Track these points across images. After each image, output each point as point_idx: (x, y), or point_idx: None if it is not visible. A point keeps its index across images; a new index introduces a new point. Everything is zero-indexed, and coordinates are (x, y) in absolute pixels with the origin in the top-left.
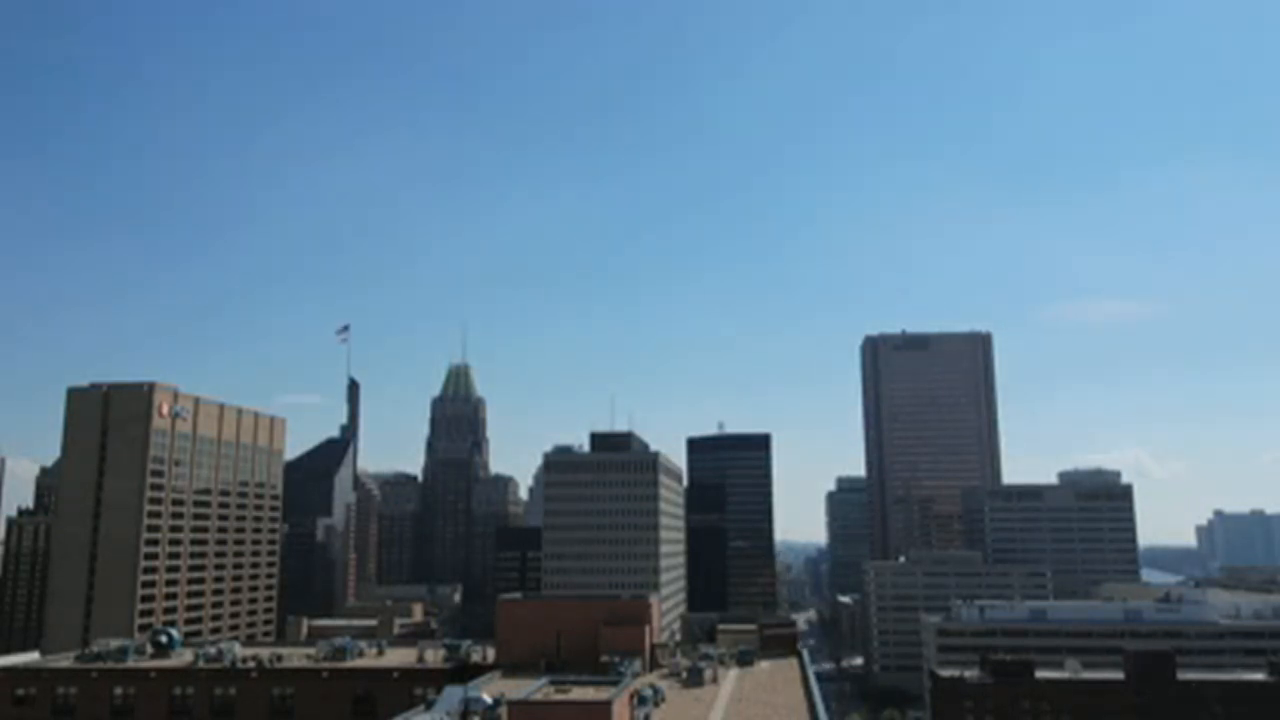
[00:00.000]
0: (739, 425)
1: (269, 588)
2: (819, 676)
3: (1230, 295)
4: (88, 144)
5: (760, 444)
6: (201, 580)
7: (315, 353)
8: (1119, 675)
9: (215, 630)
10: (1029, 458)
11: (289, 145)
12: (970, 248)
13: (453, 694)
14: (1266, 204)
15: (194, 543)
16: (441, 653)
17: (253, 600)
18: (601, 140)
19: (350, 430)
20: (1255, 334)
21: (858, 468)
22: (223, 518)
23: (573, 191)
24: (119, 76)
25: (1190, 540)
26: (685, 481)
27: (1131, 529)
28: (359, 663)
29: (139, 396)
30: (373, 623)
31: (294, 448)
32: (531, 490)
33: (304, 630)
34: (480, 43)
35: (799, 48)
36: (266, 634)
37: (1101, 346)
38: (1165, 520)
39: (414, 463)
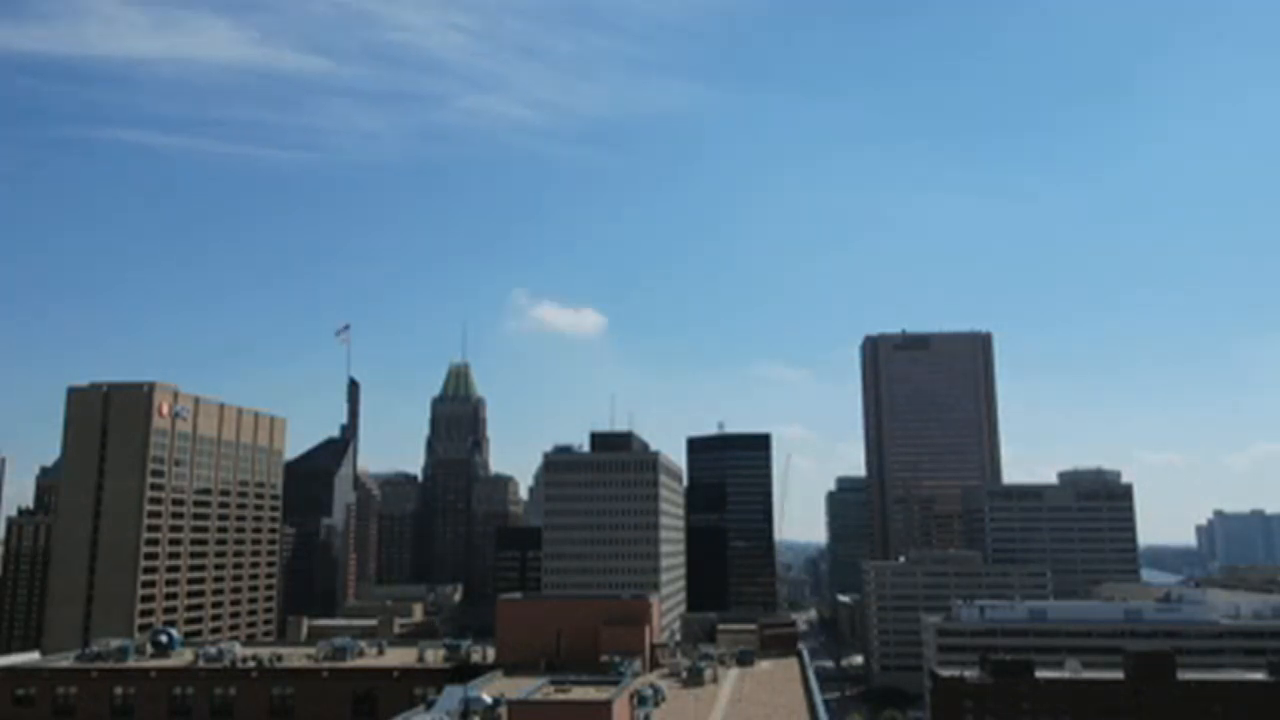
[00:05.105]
0: (739, 425)
1: (269, 588)
2: (819, 676)
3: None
4: (95, 149)
5: (760, 444)
6: (201, 580)
7: (315, 352)
8: (1119, 675)
9: (215, 630)
10: (1029, 458)
11: (292, 146)
12: (970, 248)
13: (453, 694)
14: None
15: (194, 543)
16: (441, 653)
17: (253, 600)
18: (604, 138)
19: (350, 430)
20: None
21: (858, 468)
22: (223, 518)
23: (574, 189)
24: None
25: (1190, 540)
26: (685, 481)
27: (1131, 529)
28: (359, 663)
29: (139, 396)
30: (373, 623)
31: (294, 448)
32: (531, 490)
33: (304, 630)
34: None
35: (796, 53)
36: (266, 634)
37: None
38: (1165, 520)
39: (414, 463)
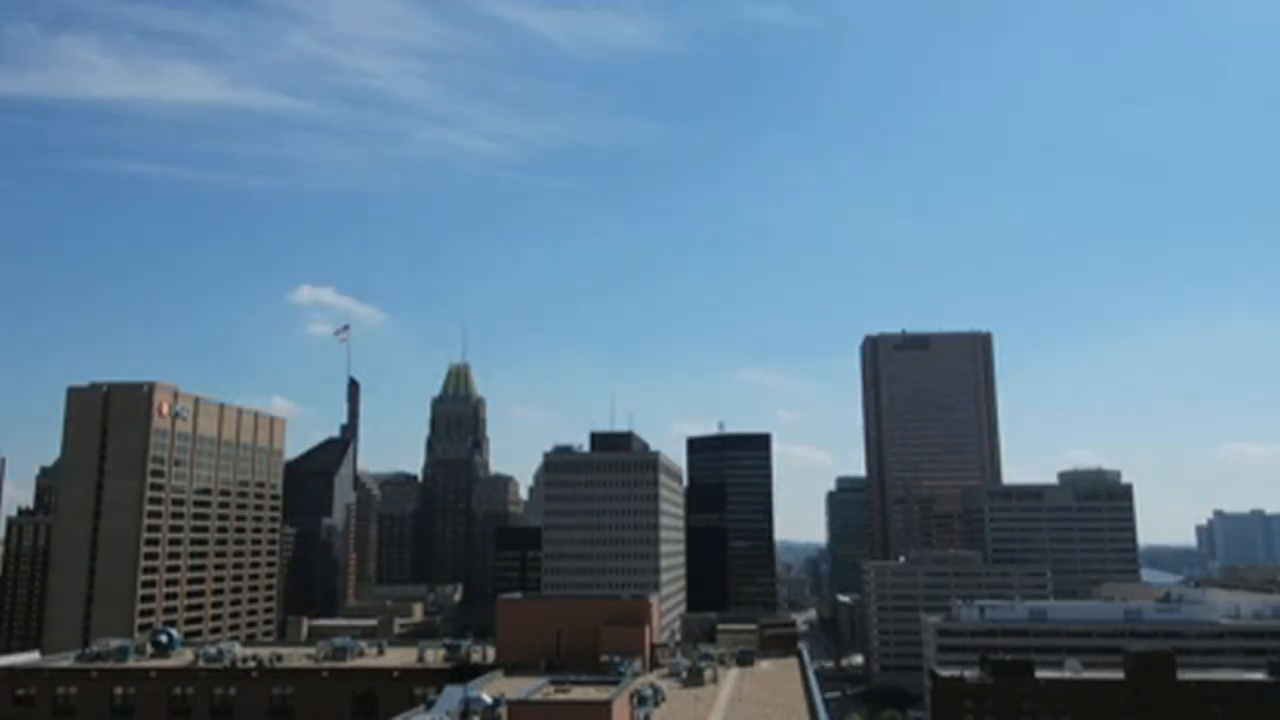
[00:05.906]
0: (739, 425)
1: (269, 588)
2: (819, 676)
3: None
4: (87, 177)
5: (760, 444)
6: (201, 580)
7: (315, 353)
8: (1119, 675)
9: (215, 630)
10: (1029, 458)
11: (266, 174)
12: (970, 247)
13: (453, 694)
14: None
15: (194, 543)
16: (441, 653)
17: (253, 600)
18: (605, 144)
19: (350, 430)
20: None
21: (858, 468)
22: (223, 518)
23: (576, 193)
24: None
25: (1190, 540)
26: (685, 481)
27: (1131, 529)
28: (359, 663)
29: (139, 396)
30: (373, 623)
31: (294, 448)
32: (531, 490)
33: (304, 630)
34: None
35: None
36: (266, 634)
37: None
38: (1165, 520)
39: (414, 463)
